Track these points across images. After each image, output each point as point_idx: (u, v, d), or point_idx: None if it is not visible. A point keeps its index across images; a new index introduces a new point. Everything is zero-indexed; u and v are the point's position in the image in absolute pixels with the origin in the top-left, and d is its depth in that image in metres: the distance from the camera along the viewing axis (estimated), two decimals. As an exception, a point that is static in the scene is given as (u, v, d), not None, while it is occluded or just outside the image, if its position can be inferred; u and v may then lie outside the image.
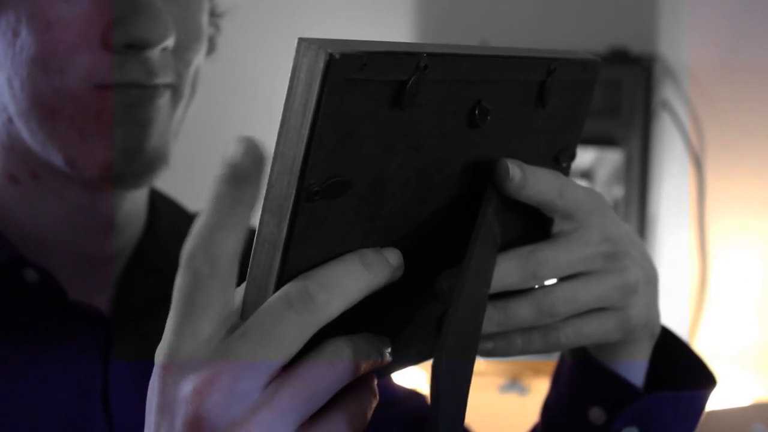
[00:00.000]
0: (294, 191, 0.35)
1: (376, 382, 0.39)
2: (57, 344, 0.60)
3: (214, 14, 0.68)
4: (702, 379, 0.58)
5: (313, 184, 0.35)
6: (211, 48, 0.69)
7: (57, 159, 0.58)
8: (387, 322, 0.41)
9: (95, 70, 0.56)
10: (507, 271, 0.45)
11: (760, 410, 1.23)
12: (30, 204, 0.61)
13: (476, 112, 0.40)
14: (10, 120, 0.59)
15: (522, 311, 0.46)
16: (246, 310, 0.37)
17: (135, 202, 0.65)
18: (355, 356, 0.37)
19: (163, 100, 0.58)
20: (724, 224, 1.53)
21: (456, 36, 1.71)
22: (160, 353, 0.37)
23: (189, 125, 0.64)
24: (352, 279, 0.37)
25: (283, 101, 0.36)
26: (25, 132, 0.58)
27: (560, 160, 0.48)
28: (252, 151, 0.34)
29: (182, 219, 0.71)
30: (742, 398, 1.51)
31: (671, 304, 1.58)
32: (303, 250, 0.36)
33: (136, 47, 0.55)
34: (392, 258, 0.39)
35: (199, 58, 0.61)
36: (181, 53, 0.59)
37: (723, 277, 1.54)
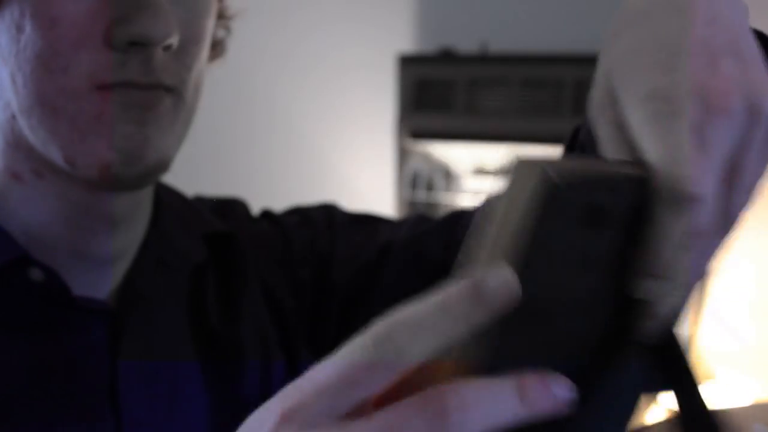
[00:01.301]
0: None
1: None
2: (63, 340, 0.60)
3: (223, 16, 0.68)
4: None
5: None
6: (221, 51, 0.69)
7: (57, 157, 0.58)
8: None
9: (98, 68, 0.55)
10: None
11: (760, 410, 1.23)
12: (33, 202, 0.61)
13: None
14: (13, 117, 0.59)
15: None
16: None
17: (140, 200, 0.65)
18: None
19: (165, 104, 0.58)
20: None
21: (457, 37, 1.71)
22: (289, 398, 0.35)
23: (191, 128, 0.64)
24: (499, 408, 0.34)
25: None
26: (26, 129, 0.58)
27: None
28: (511, 288, 0.33)
29: (188, 210, 0.72)
30: (742, 398, 1.51)
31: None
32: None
33: (139, 44, 0.55)
34: (560, 390, 0.34)
35: (201, 63, 0.61)
36: (183, 57, 0.58)
37: (722, 278, 1.54)
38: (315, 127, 1.85)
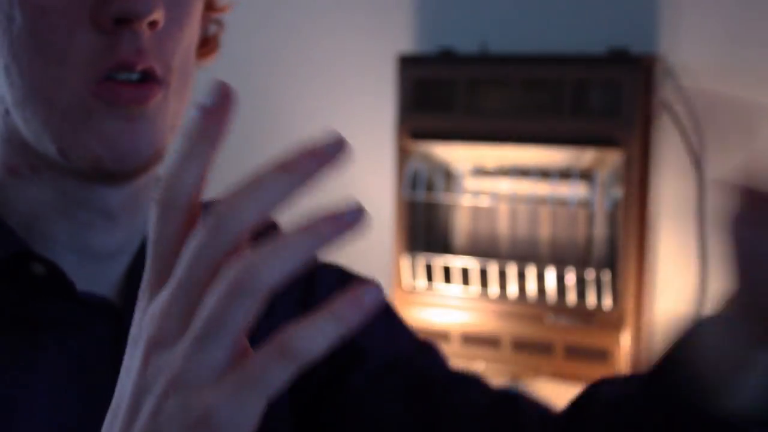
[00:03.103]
0: None
1: None
2: (67, 335, 0.60)
3: (212, 8, 0.68)
4: None
5: None
6: (214, 47, 0.69)
7: (50, 149, 0.58)
8: None
9: (91, 54, 0.56)
10: None
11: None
12: (31, 196, 0.61)
13: None
14: (7, 111, 0.59)
15: None
16: None
17: (138, 191, 0.65)
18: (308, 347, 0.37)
19: (156, 99, 0.58)
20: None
21: (457, 37, 1.71)
22: (150, 322, 0.38)
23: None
24: (304, 246, 0.36)
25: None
26: (20, 122, 0.59)
27: None
28: (221, 89, 0.37)
29: None
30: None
31: (671, 305, 1.58)
32: None
33: (125, 21, 0.56)
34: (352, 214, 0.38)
35: (185, 48, 0.61)
36: (167, 41, 0.59)
37: (723, 277, 1.54)
38: (314, 128, 1.85)
